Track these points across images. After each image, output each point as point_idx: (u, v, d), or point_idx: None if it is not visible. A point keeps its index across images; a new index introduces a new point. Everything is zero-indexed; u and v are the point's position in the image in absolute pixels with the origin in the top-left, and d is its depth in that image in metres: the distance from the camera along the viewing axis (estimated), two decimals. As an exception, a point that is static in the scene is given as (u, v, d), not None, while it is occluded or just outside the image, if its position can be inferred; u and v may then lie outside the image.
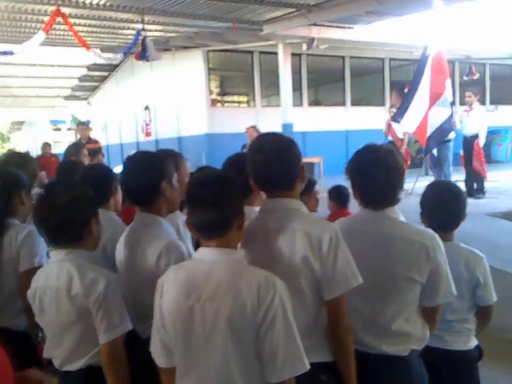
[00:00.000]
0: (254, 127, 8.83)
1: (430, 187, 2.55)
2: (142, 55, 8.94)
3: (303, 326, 1.79)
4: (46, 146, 11.53)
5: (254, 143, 1.96)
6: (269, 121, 10.52)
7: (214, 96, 13.43)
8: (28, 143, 28.02)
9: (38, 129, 26.95)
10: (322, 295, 1.80)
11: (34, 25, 9.65)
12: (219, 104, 13.70)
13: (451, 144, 8.81)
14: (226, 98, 14.44)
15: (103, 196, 2.64)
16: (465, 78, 13.66)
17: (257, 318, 1.55)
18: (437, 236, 2.02)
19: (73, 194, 2.03)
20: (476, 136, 8.47)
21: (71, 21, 8.69)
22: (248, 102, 14.04)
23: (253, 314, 1.55)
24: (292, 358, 1.57)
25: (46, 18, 8.53)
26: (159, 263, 2.02)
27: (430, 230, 2.05)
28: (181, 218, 2.36)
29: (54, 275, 1.99)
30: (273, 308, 1.55)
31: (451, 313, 2.33)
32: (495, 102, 16.06)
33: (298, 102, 12.90)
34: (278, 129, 9.17)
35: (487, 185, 8.69)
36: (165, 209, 2.21)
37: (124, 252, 2.19)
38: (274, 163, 1.84)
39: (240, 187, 1.73)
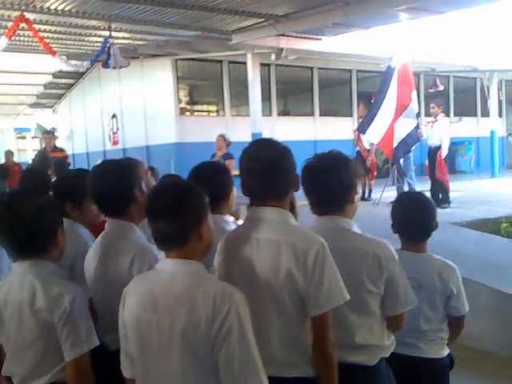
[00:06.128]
0: (222, 136, 8.77)
1: (398, 199, 2.58)
2: (106, 62, 8.82)
3: (286, 340, 1.76)
4: (9, 154, 11.27)
5: (248, 151, 1.89)
6: (238, 130, 10.50)
7: (183, 105, 13.34)
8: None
9: (1, 137, 26.31)
10: (307, 310, 1.75)
11: (-4, 30, 9.42)
12: (188, 113, 13.60)
13: (411, 155, 9.01)
14: (196, 107, 14.35)
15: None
16: (430, 90, 13.96)
17: (211, 330, 1.50)
18: (389, 245, 2.01)
19: (39, 203, 1.95)
20: (440, 147, 8.65)
21: (36, 27, 8.50)
22: (217, 112, 14.00)
23: (207, 327, 1.50)
24: (247, 373, 1.52)
25: (10, 24, 8.33)
26: (132, 268, 1.98)
27: (382, 240, 2.03)
28: None
29: (16, 288, 1.89)
30: (228, 321, 1.50)
31: (425, 322, 2.35)
32: (459, 113, 16.43)
33: (267, 111, 12.90)
34: (248, 138, 9.14)
35: (452, 195, 8.87)
36: (137, 216, 2.19)
37: (95, 260, 2.14)
38: (269, 176, 1.80)
39: (199, 195, 1.68)
